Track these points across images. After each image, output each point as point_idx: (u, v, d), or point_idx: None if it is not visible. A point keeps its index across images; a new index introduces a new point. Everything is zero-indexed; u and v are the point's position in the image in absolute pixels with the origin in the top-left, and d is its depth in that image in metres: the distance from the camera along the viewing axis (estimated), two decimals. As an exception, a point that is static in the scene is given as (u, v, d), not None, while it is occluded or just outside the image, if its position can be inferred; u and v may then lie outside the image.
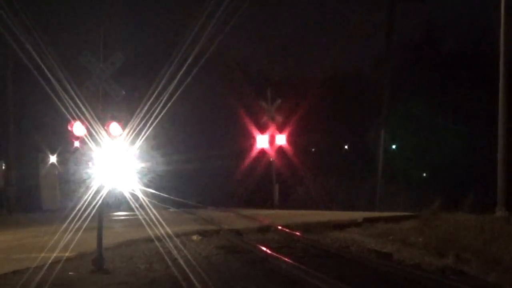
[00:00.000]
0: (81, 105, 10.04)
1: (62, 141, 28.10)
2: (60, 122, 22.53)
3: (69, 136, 26.08)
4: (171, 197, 21.97)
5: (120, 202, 21.33)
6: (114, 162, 10.38)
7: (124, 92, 10.39)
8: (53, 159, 29.16)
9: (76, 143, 27.83)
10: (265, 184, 28.72)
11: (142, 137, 12.64)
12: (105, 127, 10.13)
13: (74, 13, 28.57)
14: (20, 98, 26.51)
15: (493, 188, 16.77)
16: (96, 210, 9.97)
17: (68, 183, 27.28)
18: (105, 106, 10.23)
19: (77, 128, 18.17)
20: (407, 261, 10.60)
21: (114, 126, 11.56)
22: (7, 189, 26.05)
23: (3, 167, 26.46)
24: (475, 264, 10.01)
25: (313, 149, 32.09)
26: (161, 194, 21.22)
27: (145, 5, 32.67)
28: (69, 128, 20.91)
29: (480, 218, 14.41)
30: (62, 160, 29.01)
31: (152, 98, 12.96)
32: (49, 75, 10.98)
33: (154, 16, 33.36)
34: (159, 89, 13.05)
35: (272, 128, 28.29)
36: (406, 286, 8.97)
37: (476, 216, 14.87)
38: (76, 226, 11.48)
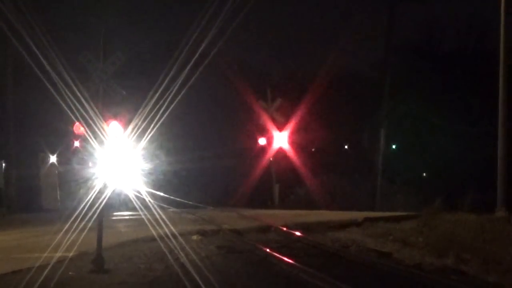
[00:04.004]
0: (84, 103, 10.04)
1: (62, 141, 28.15)
2: (61, 122, 22.60)
3: (70, 136, 26.18)
4: (172, 197, 21.98)
5: (123, 202, 21.36)
6: (116, 161, 10.39)
7: (124, 92, 10.40)
8: (53, 159, 29.17)
9: (76, 143, 27.99)
10: (265, 184, 28.73)
11: (146, 137, 12.67)
12: (106, 127, 10.14)
13: (76, 11, 28.58)
14: (20, 97, 26.50)
15: (493, 188, 16.77)
16: (97, 210, 9.97)
17: (68, 183, 27.31)
18: (106, 106, 10.24)
19: (77, 128, 18.20)
20: (407, 261, 10.60)
21: (115, 126, 11.58)
22: (8, 189, 26.04)
23: (3, 167, 26.46)
24: (475, 264, 10.02)
25: (313, 149, 32.09)
26: (162, 194, 21.23)
27: (147, 5, 32.65)
28: (70, 128, 20.95)
29: (480, 218, 14.41)
30: (62, 160, 29.02)
31: (154, 99, 12.98)
32: (51, 74, 10.98)
33: (155, 16, 33.38)
34: (161, 89, 13.07)
35: (272, 128, 28.31)
36: (406, 286, 8.98)
37: (476, 216, 14.87)
38: (77, 226, 11.49)
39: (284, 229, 15.10)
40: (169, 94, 13.10)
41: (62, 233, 11.55)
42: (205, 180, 29.66)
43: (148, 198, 15.79)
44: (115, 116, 11.08)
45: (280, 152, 28.47)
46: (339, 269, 10.00)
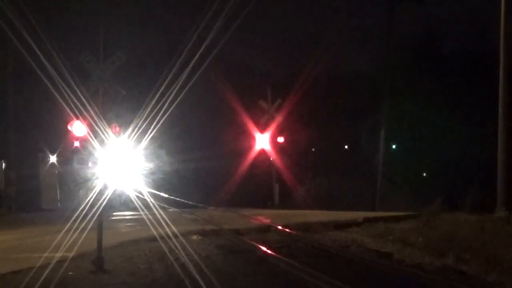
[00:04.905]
0: (85, 102, 10.03)
1: (62, 141, 28.15)
2: (61, 122, 22.59)
3: (69, 136, 26.20)
4: (171, 197, 21.99)
5: (124, 202, 21.36)
6: (117, 161, 10.40)
7: (124, 92, 10.40)
8: (53, 159, 29.17)
9: (76, 143, 27.98)
10: (265, 184, 28.73)
11: (147, 137, 12.68)
12: (106, 127, 10.14)
13: (76, 11, 28.53)
14: (20, 97, 26.51)
15: (493, 188, 16.78)
16: (97, 210, 9.97)
17: (68, 183, 27.32)
18: (106, 105, 10.24)
19: (77, 127, 18.21)
20: (407, 261, 10.61)
21: (113, 126, 11.58)
22: (7, 189, 26.04)
23: (3, 167, 26.46)
24: (475, 264, 10.02)
25: (313, 149, 32.09)
26: (161, 194, 21.23)
27: (148, 5, 32.62)
28: (69, 127, 20.95)
29: (480, 218, 14.43)
30: (62, 160, 29.02)
31: (154, 99, 12.99)
32: (51, 74, 10.97)
33: (156, 16, 33.34)
34: (161, 90, 13.07)
35: (272, 128, 28.33)
36: (406, 286, 8.99)
37: (476, 216, 14.89)
38: (78, 226, 11.48)
39: (284, 229, 15.10)
40: (170, 95, 13.10)
41: (62, 233, 11.55)
42: (205, 180, 29.64)
43: (148, 198, 15.80)
44: (116, 116, 11.09)
45: (280, 152, 28.47)
46: (339, 269, 10.01)
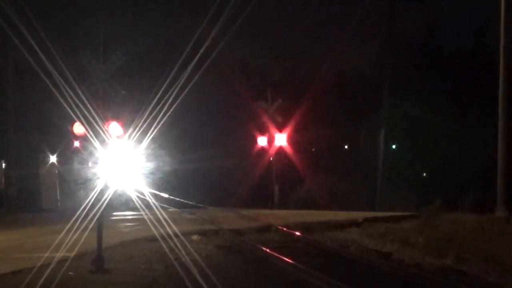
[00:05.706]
0: (86, 102, 10.03)
1: (62, 141, 28.16)
2: (61, 122, 22.61)
3: (70, 136, 26.20)
4: (171, 197, 22.00)
5: (124, 202, 21.38)
6: (117, 162, 10.40)
7: (124, 92, 10.41)
8: (53, 159, 29.17)
9: (76, 143, 28.00)
10: (265, 184, 28.74)
11: (147, 138, 12.69)
12: (106, 127, 10.14)
13: (77, 11, 28.54)
14: (20, 97, 26.51)
15: (493, 188, 16.77)
16: (97, 210, 9.97)
17: (68, 183, 27.32)
18: (107, 105, 10.24)
19: (78, 128, 18.21)
20: (407, 261, 10.62)
21: (114, 126, 11.58)
22: (8, 189, 26.04)
23: (3, 167, 26.46)
24: (475, 264, 10.03)
25: (313, 149, 32.10)
26: (162, 194, 21.26)
27: (148, 5, 32.63)
28: (69, 128, 20.99)
29: (480, 218, 14.44)
30: (62, 160, 29.03)
31: (155, 99, 12.99)
32: (52, 73, 10.97)
33: (157, 16, 33.35)
34: (162, 90, 13.08)
35: (272, 128, 28.34)
36: (406, 286, 9.00)
37: (476, 216, 14.89)
38: (79, 226, 11.48)
39: (284, 229, 15.12)
40: (170, 95, 13.10)
41: (63, 233, 11.56)
42: (206, 180, 29.68)
43: (148, 198, 15.82)
44: (116, 116, 11.10)
45: (280, 152, 28.48)
46: (339, 269, 10.02)
